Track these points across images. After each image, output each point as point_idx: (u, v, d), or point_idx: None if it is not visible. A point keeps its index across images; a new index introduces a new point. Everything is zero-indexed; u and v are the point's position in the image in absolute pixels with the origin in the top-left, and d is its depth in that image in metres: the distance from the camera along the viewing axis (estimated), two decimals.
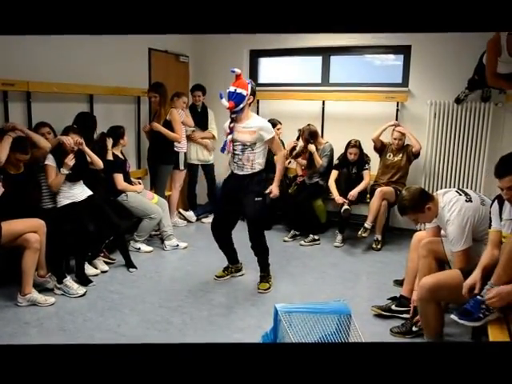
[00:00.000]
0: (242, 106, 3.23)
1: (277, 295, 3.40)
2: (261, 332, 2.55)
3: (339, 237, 4.64)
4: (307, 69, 5.67)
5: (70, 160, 3.51)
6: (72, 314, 3.04)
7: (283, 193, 4.85)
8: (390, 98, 4.92)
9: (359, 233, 4.39)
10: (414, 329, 2.77)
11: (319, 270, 3.96)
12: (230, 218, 3.55)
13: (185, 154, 4.99)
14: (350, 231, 4.79)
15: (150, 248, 4.34)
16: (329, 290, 3.54)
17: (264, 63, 5.79)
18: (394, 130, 4.65)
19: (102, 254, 3.92)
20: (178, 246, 4.42)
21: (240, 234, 3.68)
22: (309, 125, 4.84)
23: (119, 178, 4.14)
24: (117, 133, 4.15)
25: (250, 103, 3.35)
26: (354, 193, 4.54)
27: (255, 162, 3.34)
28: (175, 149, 4.79)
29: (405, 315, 2.92)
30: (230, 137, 3.33)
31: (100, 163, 3.80)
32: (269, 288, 3.50)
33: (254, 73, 5.74)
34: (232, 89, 3.21)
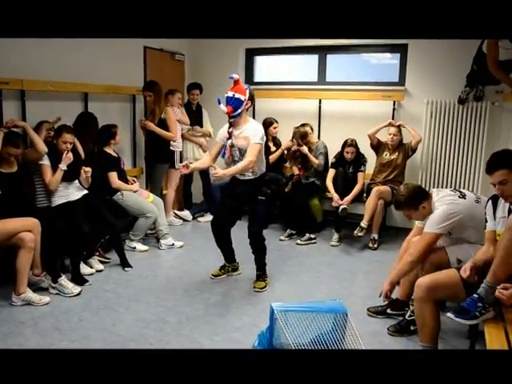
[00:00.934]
0: (239, 111, 3.23)
1: (273, 294, 3.39)
2: (257, 331, 2.54)
3: (335, 236, 4.64)
4: (303, 67, 5.66)
5: (67, 156, 3.49)
6: (67, 314, 3.02)
7: (280, 192, 4.87)
8: (386, 96, 4.92)
9: (355, 232, 4.38)
10: (412, 328, 2.77)
11: (315, 269, 3.95)
12: (231, 215, 3.54)
13: (180, 152, 4.96)
14: (347, 230, 4.79)
15: (145, 247, 4.32)
16: (325, 288, 3.54)
17: (260, 62, 5.77)
18: (388, 129, 4.64)
19: (97, 254, 3.90)
20: (173, 245, 4.40)
21: (238, 233, 3.67)
22: (300, 126, 4.82)
23: (113, 176, 4.11)
24: (108, 132, 4.13)
25: (248, 108, 3.35)
26: (348, 199, 4.54)
27: (255, 167, 3.32)
28: (171, 147, 4.77)
29: (400, 318, 2.92)
30: (229, 142, 3.33)
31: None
32: (265, 287, 3.49)
33: (249, 71, 5.73)
34: (230, 94, 3.22)
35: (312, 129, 4.91)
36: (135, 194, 4.24)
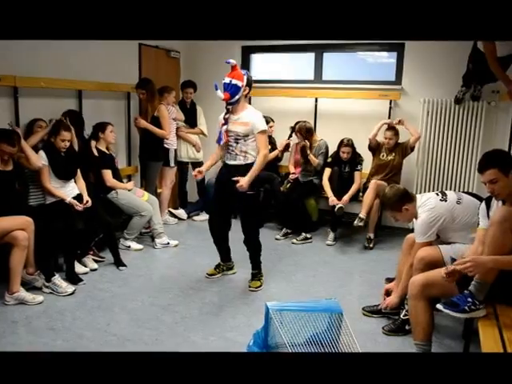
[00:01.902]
0: (237, 97, 3.21)
1: (268, 293, 3.38)
2: (252, 330, 2.53)
3: (331, 235, 4.63)
4: (300, 66, 5.64)
5: (77, 206, 3.56)
6: (61, 313, 2.99)
7: (275, 191, 4.85)
8: (383, 95, 4.91)
9: (355, 222, 4.35)
10: (407, 327, 2.76)
11: (311, 269, 3.95)
12: (226, 210, 3.52)
13: (175, 150, 4.94)
14: (343, 229, 4.79)
15: (140, 246, 4.30)
16: (320, 288, 3.53)
17: (256, 59, 5.75)
18: (386, 129, 4.63)
19: (92, 252, 3.87)
20: (168, 243, 4.38)
21: (233, 233, 3.65)
22: (304, 121, 4.81)
23: (108, 174, 4.08)
24: (99, 127, 4.10)
25: (246, 94, 3.32)
26: (346, 198, 4.53)
27: (248, 152, 3.30)
28: (165, 145, 4.74)
29: (396, 317, 2.92)
30: (224, 127, 3.30)
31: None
32: (260, 286, 3.48)
33: (246, 69, 5.67)
34: (227, 80, 3.19)
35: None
36: (130, 193, 4.22)
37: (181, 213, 5.32)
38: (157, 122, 4.57)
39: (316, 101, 5.23)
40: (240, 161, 3.32)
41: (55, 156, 3.55)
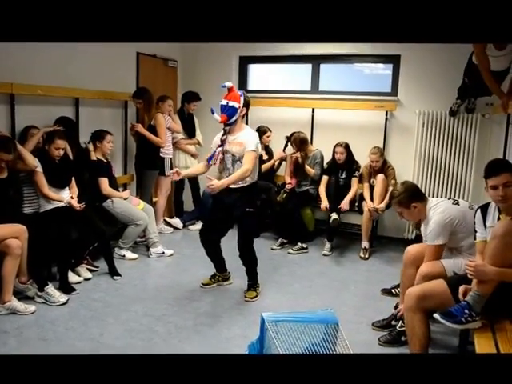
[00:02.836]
0: (234, 118, 3.23)
1: (264, 304, 3.36)
2: (247, 341, 2.50)
3: (328, 245, 4.61)
4: (297, 76, 5.67)
5: (74, 205, 3.55)
6: (53, 323, 2.95)
7: (271, 201, 4.84)
8: (379, 106, 4.93)
9: (361, 255, 4.47)
10: (403, 338, 2.75)
11: (307, 279, 3.92)
12: (220, 225, 3.50)
13: (170, 159, 4.93)
14: (339, 240, 4.78)
15: (134, 255, 4.27)
16: (316, 298, 3.51)
17: (254, 70, 5.78)
18: (371, 153, 4.55)
19: (86, 261, 3.83)
20: (163, 253, 4.35)
21: (228, 243, 3.62)
22: (299, 132, 4.82)
23: (104, 182, 4.07)
24: (97, 135, 4.09)
25: (243, 115, 3.34)
26: (345, 202, 4.52)
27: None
28: (160, 154, 4.74)
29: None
30: (219, 149, 3.30)
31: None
32: (256, 296, 3.45)
33: (243, 79, 5.73)
34: (224, 102, 3.22)
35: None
36: (125, 201, 4.20)
37: (176, 222, 5.29)
38: (153, 131, 4.57)
39: (313, 111, 5.25)
40: (238, 184, 3.28)
41: (49, 164, 3.53)
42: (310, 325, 2.32)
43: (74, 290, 3.43)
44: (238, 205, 3.31)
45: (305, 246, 4.66)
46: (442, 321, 2.16)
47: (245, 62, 5.68)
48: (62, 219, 3.50)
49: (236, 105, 3.20)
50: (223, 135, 3.31)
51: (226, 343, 2.78)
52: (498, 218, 2.27)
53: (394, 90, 5.02)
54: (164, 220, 5.19)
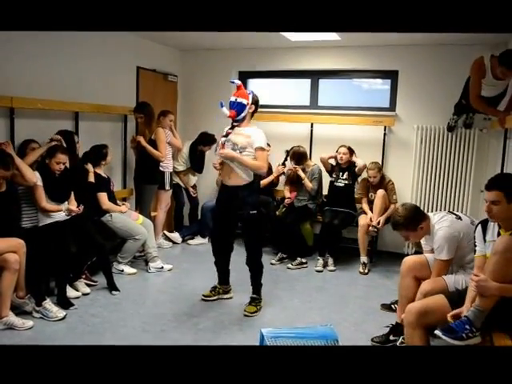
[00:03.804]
0: (243, 114, 3.29)
1: (263, 319, 3.33)
2: None
3: (320, 261, 4.59)
4: (296, 91, 5.71)
5: (75, 210, 3.58)
6: (51, 339, 2.91)
7: (270, 215, 4.84)
8: (377, 122, 4.97)
9: (360, 270, 4.47)
10: (391, 338, 2.81)
11: (306, 294, 3.90)
12: (228, 232, 3.52)
13: (170, 173, 4.94)
14: (338, 255, 4.76)
15: (133, 270, 4.24)
16: (316, 314, 3.49)
17: (253, 85, 5.82)
18: (369, 168, 4.61)
19: (84, 276, 3.81)
20: (162, 268, 4.33)
21: (232, 259, 3.63)
22: (298, 146, 4.84)
23: (103, 197, 4.06)
24: (99, 153, 4.10)
25: (253, 112, 3.40)
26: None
27: (243, 170, 3.31)
28: (160, 168, 4.74)
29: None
30: (223, 139, 3.35)
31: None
32: (255, 312, 3.43)
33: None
34: (233, 98, 3.28)
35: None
36: (124, 216, 4.19)
37: (175, 236, 5.28)
38: (154, 145, 4.58)
39: (311, 126, 5.28)
40: (236, 182, 3.33)
41: (49, 178, 3.53)
42: (310, 341, 2.30)
43: (72, 304, 3.40)
44: (241, 203, 3.33)
45: (304, 260, 4.64)
46: (444, 337, 2.16)
47: (244, 76, 5.72)
48: (61, 233, 3.48)
49: (244, 101, 3.26)
50: (230, 128, 3.35)
51: None
52: (498, 233, 2.27)
53: (393, 106, 5.06)
54: (163, 234, 5.17)
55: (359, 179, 4.82)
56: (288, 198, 4.90)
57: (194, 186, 5.37)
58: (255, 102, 3.35)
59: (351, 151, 4.77)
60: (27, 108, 3.71)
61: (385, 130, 4.98)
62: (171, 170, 4.96)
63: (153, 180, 4.72)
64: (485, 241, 2.35)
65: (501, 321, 2.17)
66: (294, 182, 4.86)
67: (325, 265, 4.58)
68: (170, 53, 5.58)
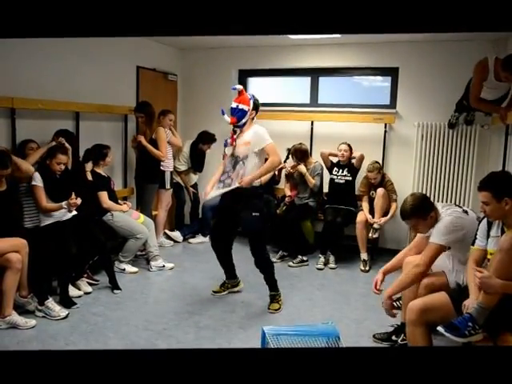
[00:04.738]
0: (244, 120, 3.32)
1: (264, 317, 3.34)
2: None
3: (321, 259, 4.59)
4: (296, 89, 5.71)
5: (74, 202, 3.50)
6: (53, 338, 2.93)
7: (271, 213, 4.84)
8: (378, 119, 4.96)
9: (361, 267, 4.47)
10: (394, 338, 2.79)
11: (307, 292, 3.91)
12: (229, 227, 3.53)
13: (171, 173, 4.94)
14: (339, 253, 4.76)
15: (135, 269, 4.25)
16: (317, 311, 3.50)
17: (253, 83, 5.82)
18: (368, 170, 4.59)
19: (86, 275, 3.82)
20: (164, 266, 4.34)
21: (236, 255, 3.65)
22: (300, 144, 4.84)
23: (104, 195, 4.07)
24: (100, 153, 4.10)
25: (253, 117, 3.42)
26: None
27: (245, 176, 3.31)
28: (161, 167, 4.75)
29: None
30: (229, 140, 3.41)
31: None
32: (279, 308, 3.45)
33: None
34: (234, 105, 3.32)
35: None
36: (125, 215, 4.20)
37: (176, 235, 5.29)
38: (154, 144, 4.59)
39: (312, 124, 5.28)
40: (237, 185, 3.32)
41: (50, 178, 3.54)
42: (311, 338, 2.31)
43: (75, 303, 3.42)
44: (243, 205, 3.34)
45: (305, 258, 4.65)
46: (446, 334, 2.15)
47: (244, 75, 5.72)
48: (63, 233, 3.50)
49: (246, 108, 3.29)
50: (234, 135, 3.39)
51: None
52: (502, 229, 2.27)
53: (393, 103, 5.05)
54: (164, 233, 5.18)
55: (359, 175, 4.81)
56: (289, 196, 4.90)
57: (195, 185, 5.38)
58: (256, 106, 3.38)
59: (351, 150, 4.77)
60: (28, 108, 3.71)
61: (385, 127, 4.97)
62: (172, 170, 4.97)
63: (154, 179, 4.73)
64: (488, 236, 2.34)
65: (503, 319, 2.16)
66: (295, 179, 4.86)
67: (326, 262, 4.59)
68: (170, 52, 5.59)
